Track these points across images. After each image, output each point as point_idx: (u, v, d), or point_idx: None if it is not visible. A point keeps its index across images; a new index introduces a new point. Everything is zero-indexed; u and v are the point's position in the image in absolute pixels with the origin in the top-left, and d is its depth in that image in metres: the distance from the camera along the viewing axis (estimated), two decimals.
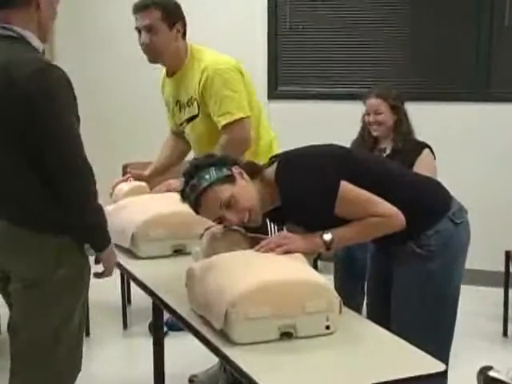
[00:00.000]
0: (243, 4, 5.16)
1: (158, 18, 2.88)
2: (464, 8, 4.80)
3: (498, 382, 3.17)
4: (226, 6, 5.17)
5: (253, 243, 2.21)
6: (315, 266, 4.57)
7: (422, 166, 3.45)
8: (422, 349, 1.86)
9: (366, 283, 2.86)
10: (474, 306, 4.24)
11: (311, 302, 1.90)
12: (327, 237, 2.15)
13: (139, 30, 2.93)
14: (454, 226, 2.29)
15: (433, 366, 1.79)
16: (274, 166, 2.21)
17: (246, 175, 2.22)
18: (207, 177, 2.15)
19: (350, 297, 2.86)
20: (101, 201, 2.14)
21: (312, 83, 5.14)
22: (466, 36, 4.80)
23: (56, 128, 2.04)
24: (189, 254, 2.57)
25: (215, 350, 1.90)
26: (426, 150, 3.63)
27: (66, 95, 2.08)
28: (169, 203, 2.67)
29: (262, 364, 1.79)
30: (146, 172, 3.27)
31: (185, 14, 2.97)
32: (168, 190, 2.93)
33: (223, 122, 2.90)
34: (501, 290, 4.06)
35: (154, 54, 2.94)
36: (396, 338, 1.95)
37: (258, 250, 2.13)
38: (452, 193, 2.38)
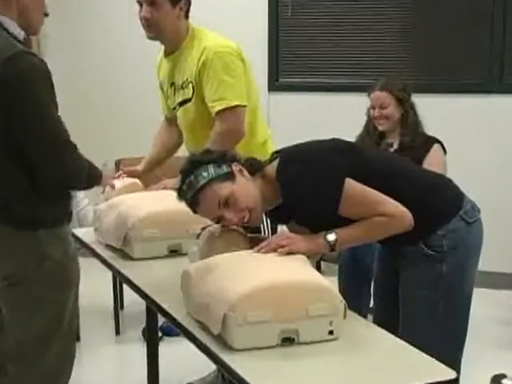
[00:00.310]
0: None
1: None
2: None
3: None
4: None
5: (252, 243, 2.17)
6: (318, 268, 4.49)
7: (431, 163, 3.35)
8: (431, 355, 1.81)
9: (372, 285, 2.81)
10: (487, 309, 4.16)
11: (314, 306, 1.85)
12: (331, 237, 2.09)
13: (140, 4, 2.86)
14: (466, 225, 2.24)
15: (443, 373, 1.75)
16: (276, 162, 2.17)
17: (246, 172, 2.17)
18: (205, 174, 2.10)
19: (355, 300, 2.82)
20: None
21: (313, 75, 5.12)
22: (480, 26, 4.71)
23: (32, 108, 2.05)
24: (185, 254, 2.53)
25: (213, 357, 1.86)
26: (436, 146, 3.53)
27: (41, 80, 2.09)
28: (164, 201, 2.62)
29: (261, 371, 1.75)
30: (139, 167, 3.22)
31: None
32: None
33: (217, 108, 2.82)
34: None
35: (153, 29, 2.87)
36: (404, 343, 1.91)
37: (257, 251, 2.07)
38: (462, 190, 2.32)
